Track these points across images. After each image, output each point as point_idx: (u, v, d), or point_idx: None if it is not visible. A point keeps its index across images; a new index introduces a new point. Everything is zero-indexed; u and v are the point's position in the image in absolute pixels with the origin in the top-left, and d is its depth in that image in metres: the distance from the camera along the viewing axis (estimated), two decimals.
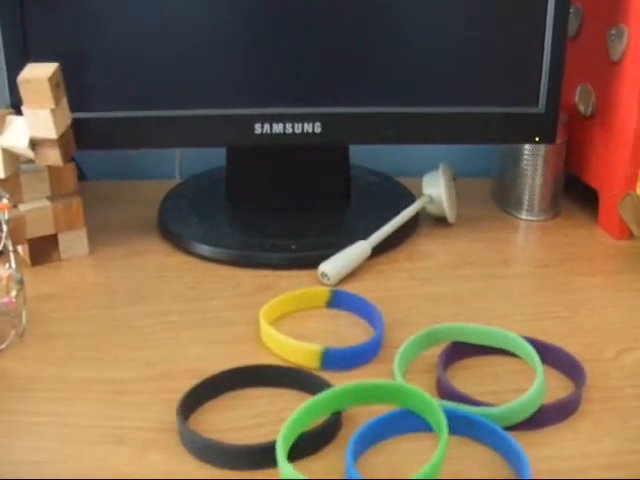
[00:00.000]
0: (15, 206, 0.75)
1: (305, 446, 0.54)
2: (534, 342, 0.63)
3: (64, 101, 0.72)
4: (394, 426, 0.56)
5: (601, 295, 0.75)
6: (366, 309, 0.70)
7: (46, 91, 0.69)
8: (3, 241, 0.68)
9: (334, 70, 0.79)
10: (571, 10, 0.81)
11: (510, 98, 0.81)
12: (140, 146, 0.85)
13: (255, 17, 0.77)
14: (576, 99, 0.89)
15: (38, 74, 0.69)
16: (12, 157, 0.73)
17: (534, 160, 0.87)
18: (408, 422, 0.56)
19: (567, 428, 0.57)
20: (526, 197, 0.89)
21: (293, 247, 0.79)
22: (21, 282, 0.66)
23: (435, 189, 0.85)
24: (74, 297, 0.73)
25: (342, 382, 0.57)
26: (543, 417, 0.57)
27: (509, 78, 0.80)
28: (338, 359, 0.63)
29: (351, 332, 0.69)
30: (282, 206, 0.87)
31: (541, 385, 0.57)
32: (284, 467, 0.50)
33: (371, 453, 0.55)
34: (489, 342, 0.64)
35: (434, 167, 0.86)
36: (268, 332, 0.65)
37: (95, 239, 0.81)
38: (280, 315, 0.70)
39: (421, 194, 0.85)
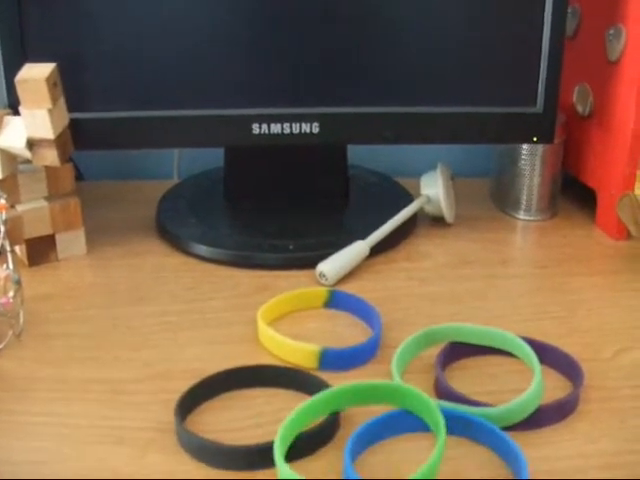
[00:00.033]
0: (12, 206, 0.75)
1: (303, 446, 0.54)
2: (532, 342, 0.63)
3: (61, 101, 0.72)
4: (392, 426, 0.56)
5: (599, 295, 0.75)
6: (364, 309, 0.70)
7: (43, 91, 0.68)
8: (1, 241, 0.68)
9: (332, 70, 0.79)
10: (569, 10, 0.81)
11: (508, 98, 0.81)
12: (138, 146, 0.85)
13: (254, 18, 0.77)
14: (574, 99, 0.89)
15: (35, 74, 0.69)
16: (9, 157, 0.73)
17: (532, 160, 0.87)
18: (406, 422, 0.56)
19: (565, 428, 0.57)
20: (524, 197, 0.89)
21: (291, 247, 0.79)
22: (19, 282, 0.66)
23: (433, 189, 0.85)
24: (72, 297, 0.73)
25: (340, 382, 0.57)
26: (541, 417, 0.57)
27: (507, 78, 0.80)
28: (336, 359, 0.63)
29: (349, 332, 0.69)
30: (280, 206, 0.87)
31: (539, 385, 0.57)
32: (282, 467, 0.50)
33: (369, 453, 0.55)
34: (487, 342, 0.64)
35: (432, 167, 0.86)
36: (266, 332, 0.65)
37: (93, 239, 0.81)
38: (278, 315, 0.70)
39: (419, 194, 0.85)
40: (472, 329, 0.65)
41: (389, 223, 0.81)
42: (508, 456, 0.53)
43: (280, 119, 0.79)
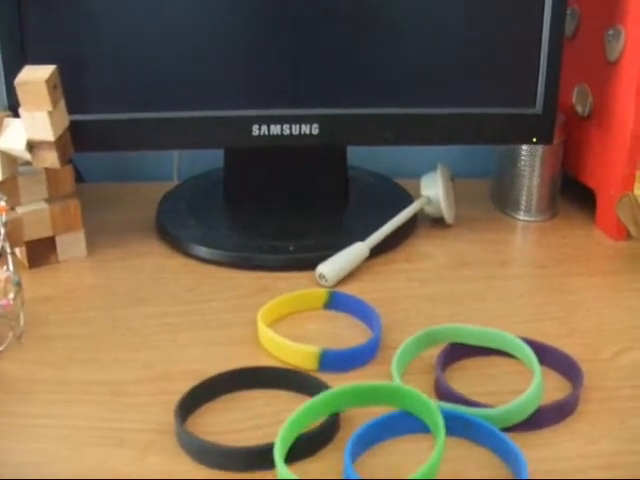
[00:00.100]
0: (12, 208, 0.75)
1: (303, 448, 0.54)
2: (532, 343, 0.63)
3: (61, 103, 0.72)
4: (392, 427, 0.56)
5: (599, 296, 0.75)
6: (364, 310, 0.70)
7: (43, 93, 0.69)
8: (1, 243, 0.68)
9: (332, 71, 0.79)
10: (568, 11, 0.81)
11: (507, 99, 0.81)
12: (138, 148, 0.84)
13: (254, 18, 0.77)
14: (573, 100, 0.89)
15: (35, 76, 0.69)
16: (9, 159, 0.73)
17: (532, 161, 0.88)
18: (406, 423, 0.56)
19: (565, 429, 0.57)
20: (524, 198, 0.89)
21: (291, 248, 0.79)
22: (19, 284, 0.66)
23: (433, 190, 0.85)
24: (72, 299, 0.73)
25: (340, 383, 0.57)
26: (541, 418, 0.57)
27: (507, 79, 0.80)
28: (336, 360, 0.63)
29: (349, 333, 0.69)
30: (280, 207, 0.87)
31: (539, 386, 0.57)
32: (282, 469, 0.50)
33: (369, 454, 0.55)
34: (487, 343, 0.64)
35: (432, 168, 0.86)
36: (266, 334, 0.65)
37: (93, 241, 0.81)
38: (278, 317, 0.70)
39: (419, 195, 0.85)
40: (472, 330, 0.65)
41: (389, 224, 0.81)
42: (508, 457, 0.53)
43: (280, 120, 0.79)
